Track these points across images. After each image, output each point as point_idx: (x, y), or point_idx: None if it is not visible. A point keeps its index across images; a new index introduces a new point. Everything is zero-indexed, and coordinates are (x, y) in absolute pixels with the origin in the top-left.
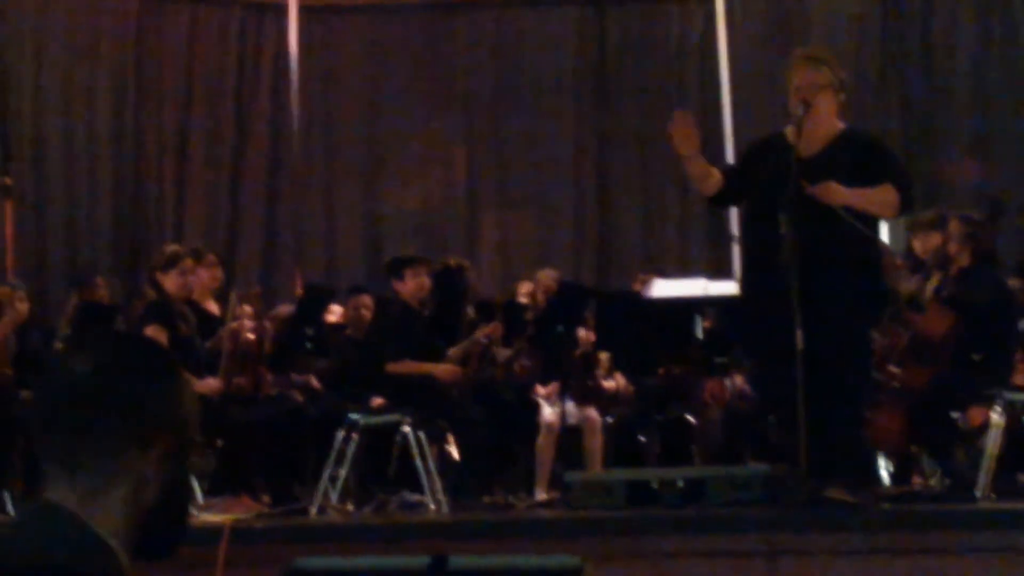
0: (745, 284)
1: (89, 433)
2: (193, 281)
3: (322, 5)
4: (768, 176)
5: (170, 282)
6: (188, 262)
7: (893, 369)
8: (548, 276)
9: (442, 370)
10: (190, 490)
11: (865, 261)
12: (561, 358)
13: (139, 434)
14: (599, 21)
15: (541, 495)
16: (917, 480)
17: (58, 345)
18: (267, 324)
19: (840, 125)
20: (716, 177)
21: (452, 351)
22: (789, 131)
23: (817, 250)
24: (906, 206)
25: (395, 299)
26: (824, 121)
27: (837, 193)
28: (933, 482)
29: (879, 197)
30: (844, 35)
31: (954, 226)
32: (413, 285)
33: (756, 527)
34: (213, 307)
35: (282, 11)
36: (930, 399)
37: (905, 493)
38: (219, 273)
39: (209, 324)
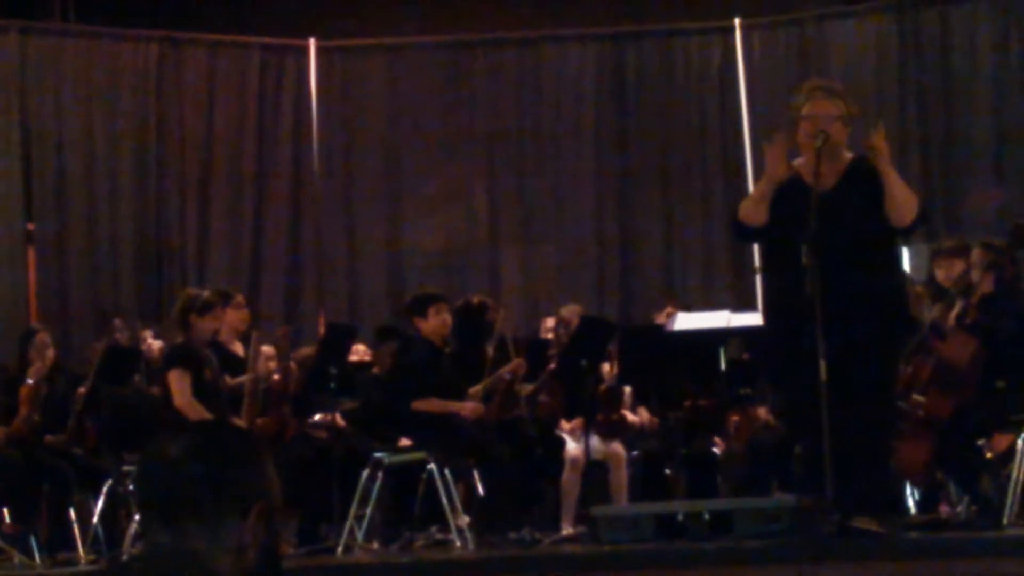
0: (770, 319)
1: (191, 508)
2: (221, 326)
3: (342, 45)
4: (788, 211)
5: (201, 326)
6: (221, 312)
7: (917, 397)
8: (571, 311)
9: (467, 408)
10: (280, 554)
11: (890, 291)
12: (585, 393)
13: (235, 506)
14: (618, 55)
15: (567, 530)
16: (944, 508)
17: (81, 392)
18: (292, 365)
19: (848, 156)
20: (765, 206)
21: (475, 388)
22: (798, 163)
23: (841, 282)
24: (924, 213)
25: (417, 337)
26: (837, 153)
27: (884, 154)
28: (960, 510)
29: (908, 191)
30: (862, 64)
31: (977, 253)
32: (436, 323)
33: (784, 558)
34: (238, 348)
35: (302, 51)
36: (955, 426)
37: (932, 521)
38: (246, 315)
39: (234, 365)
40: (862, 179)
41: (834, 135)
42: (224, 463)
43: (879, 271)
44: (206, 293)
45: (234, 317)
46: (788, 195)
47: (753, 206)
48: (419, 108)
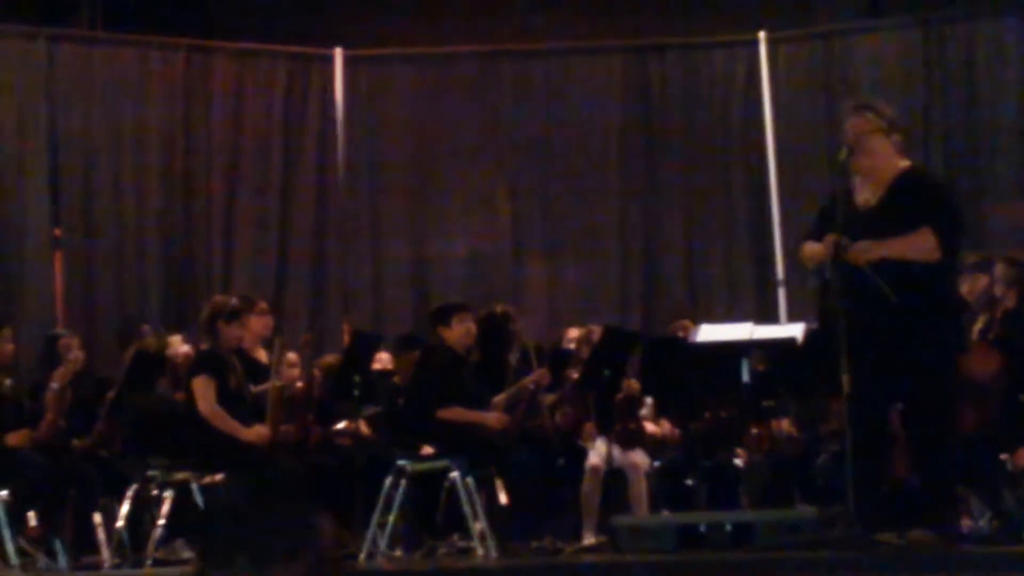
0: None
1: (247, 550)
2: (246, 331)
3: (368, 55)
4: (836, 229)
5: (229, 333)
6: (247, 319)
7: None
8: (595, 331)
9: (491, 418)
10: None
11: (927, 305)
12: (604, 403)
13: (285, 551)
14: (643, 68)
15: (589, 539)
16: (966, 522)
17: (109, 396)
18: (316, 372)
19: (902, 165)
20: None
21: (498, 397)
22: (856, 180)
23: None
24: (947, 250)
25: (440, 346)
26: (883, 164)
27: (866, 252)
28: (982, 523)
29: (916, 243)
30: (887, 79)
31: (1000, 268)
32: (460, 332)
33: (805, 570)
34: (262, 355)
35: (328, 61)
36: (978, 440)
37: (954, 535)
38: (270, 321)
39: (257, 372)
40: (907, 192)
41: (871, 148)
42: (279, 510)
43: (920, 285)
44: (234, 300)
45: (257, 324)
46: (837, 212)
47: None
48: (444, 118)
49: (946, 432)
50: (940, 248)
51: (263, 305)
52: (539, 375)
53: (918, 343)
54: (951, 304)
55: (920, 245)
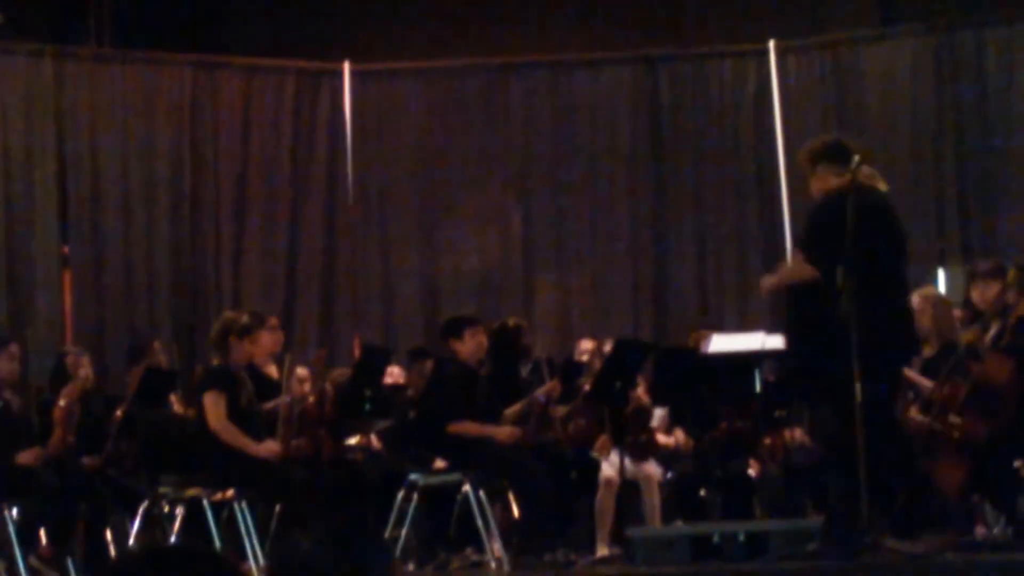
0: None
1: None
2: (257, 348)
3: (376, 68)
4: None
5: (240, 349)
6: (258, 335)
7: (953, 419)
8: (607, 344)
9: (503, 433)
10: None
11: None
12: (616, 415)
13: None
14: (652, 78)
15: (602, 551)
16: (980, 529)
17: (119, 414)
18: (328, 387)
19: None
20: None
21: (509, 410)
22: None
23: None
24: (818, 267)
25: (453, 359)
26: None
27: (765, 284)
28: (996, 531)
29: (792, 267)
30: (898, 87)
31: (1012, 275)
32: (472, 345)
33: None
34: (272, 371)
35: (337, 75)
36: (992, 448)
37: (968, 542)
38: (280, 337)
39: (267, 387)
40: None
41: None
42: (351, 558)
43: (806, 307)
44: (245, 316)
45: (268, 339)
46: None
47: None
48: (453, 131)
49: (843, 449)
50: (808, 264)
51: (274, 321)
52: (550, 387)
53: (810, 361)
54: (838, 320)
55: (795, 268)
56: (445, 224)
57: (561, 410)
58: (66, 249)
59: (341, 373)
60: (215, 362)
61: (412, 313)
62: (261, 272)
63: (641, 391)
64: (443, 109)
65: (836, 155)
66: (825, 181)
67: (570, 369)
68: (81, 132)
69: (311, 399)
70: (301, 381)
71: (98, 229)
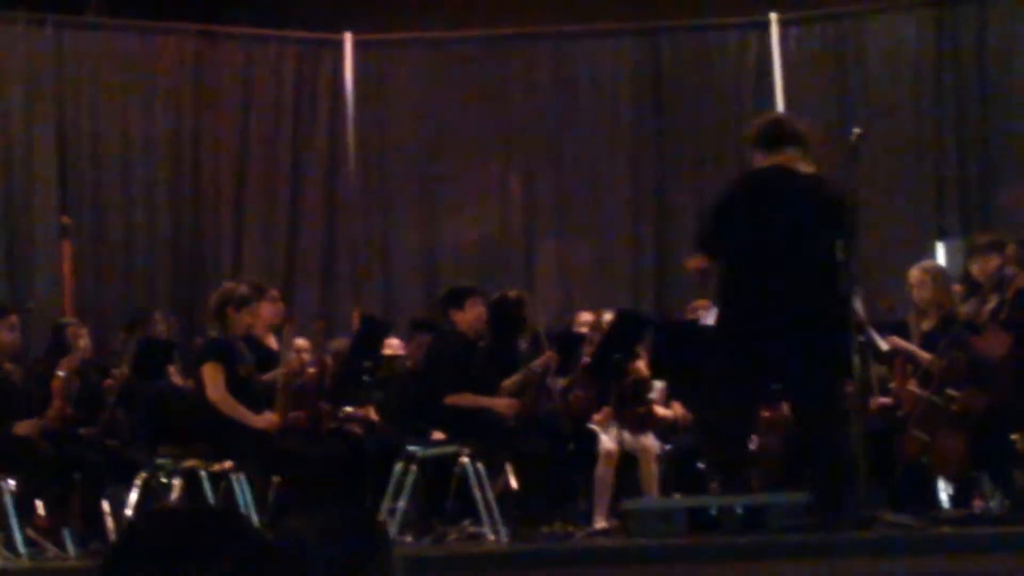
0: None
1: None
2: (256, 319)
3: (377, 39)
4: None
5: (238, 320)
6: (257, 304)
7: (952, 392)
8: (607, 316)
9: (501, 404)
10: None
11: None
12: (612, 386)
13: None
14: (653, 50)
15: (600, 524)
16: (977, 502)
17: (109, 383)
18: (327, 359)
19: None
20: None
21: (507, 382)
22: None
23: None
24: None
25: (452, 330)
26: None
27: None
28: (993, 504)
29: None
30: (899, 60)
31: (1011, 249)
32: (471, 316)
33: (816, 553)
34: (272, 342)
35: (338, 46)
36: (989, 421)
37: (965, 516)
38: (280, 308)
39: (267, 358)
40: None
41: None
42: (350, 548)
43: None
44: (243, 287)
45: (268, 310)
46: None
47: None
48: (454, 102)
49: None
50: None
51: (274, 292)
52: (547, 358)
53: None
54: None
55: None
56: (446, 195)
57: (560, 382)
58: (65, 219)
59: (341, 343)
60: (213, 334)
61: (412, 284)
62: (261, 242)
63: (641, 363)
64: (444, 80)
65: (763, 139)
66: (757, 164)
67: (568, 340)
68: (81, 102)
69: (311, 371)
70: (300, 352)
71: (98, 199)
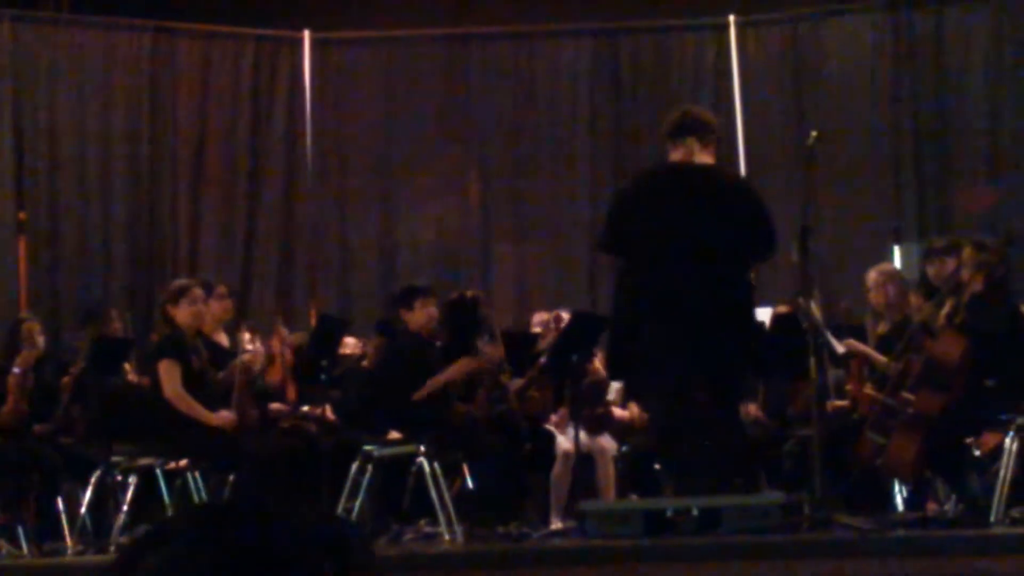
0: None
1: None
2: (204, 313)
3: (336, 37)
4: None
5: (181, 314)
6: (197, 292)
7: (907, 395)
8: (563, 316)
9: (460, 367)
10: None
11: None
12: (569, 387)
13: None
14: (613, 50)
15: (556, 524)
16: (932, 506)
17: (66, 380)
18: (287, 354)
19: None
20: None
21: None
22: None
23: None
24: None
25: (405, 331)
26: None
27: None
28: (947, 508)
29: None
30: (857, 62)
31: (967, 252)
32: (422, 316)
33: (772, 554)
34: (223, 339)
35: (296, 43)
36: (944, 425)
37: (919, 519)
38: (229, 305)
39: (220, 356)
40: None
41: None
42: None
43: None
44: (177, 282)
45: (217, 308)
46: None
47: None
48: (413, 101)
49: None
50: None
51: (222, 289)
52: (492, 353)
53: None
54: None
55: None
56: (403, 194)
57: (517, 382)
58: (22, 215)
59: (299, 337)
60: (165, 331)
61: (369, 283)
62: (218, 240)
63: (598, 364)
64: (403, 79)
65: (670, 130)
66: (665, 154)
67: (525, 341)
68: (38, 97)
69: (266, 368)
70: (256, 351)
71: (55, 195)
